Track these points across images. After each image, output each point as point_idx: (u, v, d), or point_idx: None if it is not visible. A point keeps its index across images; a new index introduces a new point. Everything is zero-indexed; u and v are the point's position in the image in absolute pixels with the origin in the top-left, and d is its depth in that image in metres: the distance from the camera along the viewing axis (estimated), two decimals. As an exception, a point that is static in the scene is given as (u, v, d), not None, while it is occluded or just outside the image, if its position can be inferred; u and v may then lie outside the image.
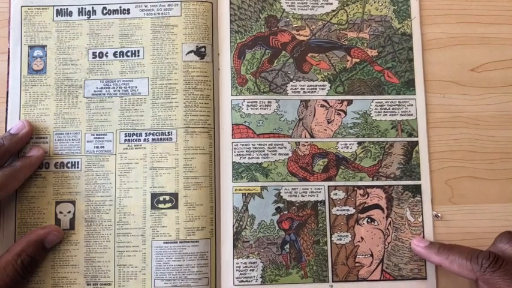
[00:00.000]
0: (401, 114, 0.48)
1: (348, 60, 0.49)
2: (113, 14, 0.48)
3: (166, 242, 0.44)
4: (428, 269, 0.46)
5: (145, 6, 0.48)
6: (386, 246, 0.47)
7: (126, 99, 0.46)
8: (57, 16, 0.48)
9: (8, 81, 0.47)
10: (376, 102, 0.49)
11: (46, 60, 0.47)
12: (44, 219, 0.45)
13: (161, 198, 0.45)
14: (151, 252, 0.44)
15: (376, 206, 0.47)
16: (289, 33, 0.49)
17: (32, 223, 0.45)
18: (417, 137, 0.48)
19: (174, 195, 0.45)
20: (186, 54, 0.47)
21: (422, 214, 0.47)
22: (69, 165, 0.46)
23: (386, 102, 0.49)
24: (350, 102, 0.49)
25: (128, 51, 0.47)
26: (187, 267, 0.44)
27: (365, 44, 0.49)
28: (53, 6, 0.48)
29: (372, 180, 0.48)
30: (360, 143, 0.48)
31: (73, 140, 0.46)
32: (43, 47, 0.47)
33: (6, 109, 0.46)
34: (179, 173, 0.45)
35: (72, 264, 0.44)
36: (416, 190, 0.47)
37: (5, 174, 0.42)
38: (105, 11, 0.48)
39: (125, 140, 0.46)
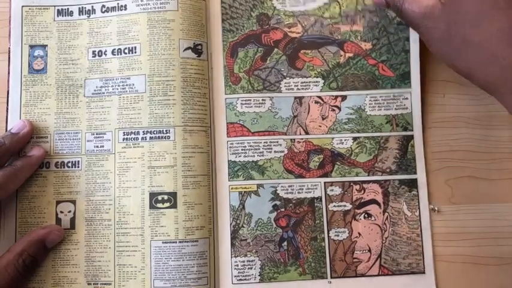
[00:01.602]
0: (396, 109, 0.48)
1: (341, 56, 0.48)
2: (111, 11, 0.48)
3: (165, 242, 0.44)
4: (427, 263, 0.46)
5: (141, 0, 0.47)
6: (383, 241, 0.46)
7: (124, 97, 0.46)
8: (58, 16, 0.48)
9: (8, 81, 0.47)
10: (370, 97, 0.48)
11: (47, 59, 0.47)
12: (45, 219, 0.45)
13: (159, 198, 0.45)
14: (150, 252, 0.44)
15: (373, 201, 0.47)
16: (281, 30, 0.49)
17: (33, 223, 0.45)
18: (412, 131, 0.47)
19: (173, 195, 0.44)
20: (184, 51, 0.46)
21: (419, 208, 0.47)
22: (69, 164, 0.46)
23: (380, 96, 0.48)
24: (344, 97, 0.48)
25: (125, 48, 0.47)
26: (187, 267, 0.43)
27: (359, 37, 0.49)
28: (54, 6, 0.48)
29: (368, 176, 0.47)
30: (355, 139, 0.47)
31: (73, 140, 0.46)
32: (44, 46, 0.47)
33: (7, 109, 0.46)
34: (177, 172, 0.45)
35: (72, 263, 0.44)
36: (413, 184, 0.47)
37: (5, 174, 0.42)
38: (103, 9, 0.48)
39: (123, 139, 0.46)
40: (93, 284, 0.44)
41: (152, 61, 0.46)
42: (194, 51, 0.47)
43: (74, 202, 0.45)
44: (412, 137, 0.47)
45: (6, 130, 0.46)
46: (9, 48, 0.47)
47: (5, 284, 0.40)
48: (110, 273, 0.44)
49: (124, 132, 0.46)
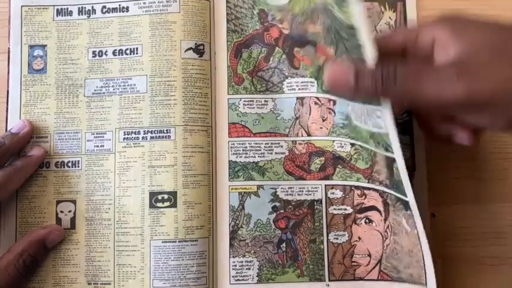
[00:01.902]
0: (373, 126, 0.41)
1: (319, 57, 0.45)
2: (112, 12, 0.48)
3: (164, 242, 0.44)
4: (429, 275, 0.41)
5: (144, 3, 0.47)
6: (384, 248, 0.44)
7: (125, 97, 0.46)
8: (57, 16, 0.48)
9: (8, 81, 0.47)
10: (352, 105, 0.43)
11: (46, 59, 0.47)
12: (45, 219, 0.45)
13: (159, 197, 0.45)
14: (149, 251, 0.44)
15: (374, 208, 0.45)
16: (277, 27, 0.48)
17: (33, 222, 0.45)
18: (393, 153, 0.40)
19: (173, 194, 0.45)
20: (185, 52, 0.46)
21: (416, 228, 0.40)
22: (69, 164, 0.46)
23: (359, 108, 0.41)
24: (334, 102, 0.45)
25: (127, 49, 0.47)
26: (186, 267, 0.44)
27: (322, 40, 0.44)
28: (53, 6, 0.48)
29: (368, 183, 0.45)
30: (352, 144, 0.45)
31: (73, 140, 0.46)
32: (43, 46, 0.47)
33: (7, 109, 0.46)
34: (178, 171, 0.45)
35: (73, 263, 0.44)
36: (407, 205, 0.41)
37: (5, 174, 0.42)
38: (104, 10, 0.48)
39: (124, 139, 0.46)
40: (93, 283, 0.44)
41: (154, 62, 0.46)
42: (196, 52, 0.47)
43: (74, 202, 0.45)
44: (394, 159, 0.40)
45: (6, 130, 0.46)
46: (8, 48, 0.47)
47: (6, 284, 0.40)
48: (109, 273, 0.44)
49: (124, 132, 0.46)
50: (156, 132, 0.45)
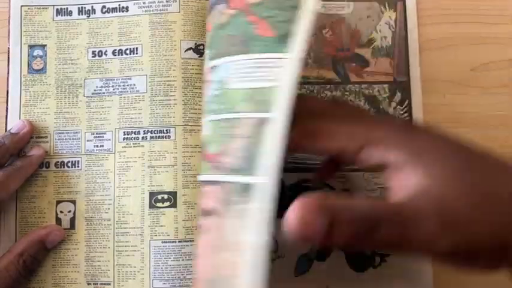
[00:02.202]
0: (258, 80, 0.31)
1: (224, 14, 0.35)
2: (112, 12, 0.48)
3: (164, 242, 0.44)
4: None
5: (144, 3, 0.47)
6: (209, 274, 0.29)
7: (125, 97, 0.46)
8: (57, 16, 0.48)
9: (8, 81, 0.47)
10: (235, 65, 0.33)
11: (46, 59, 0.47)
12: (45, 219, 0.45)
13: (159, 197, 0.45)
14: (149, 252, 0.44)
15: (211, 212, 0.30)
16: None
17: (33, 222, 0.45)
18: (268, 112, 0.29)
19: (173, 194, 0.45)
20: (185, 52, 0.46)
21: (248, 233, 0.27)
22: (69, 164, 0.46)
23: (245, 64, 0.32)
24: (215, 68, 0.34)
25: (127, 49, 0.47)
26: (186, 267, 0.43)
27: None
28: (53, 5, 0.48)
29: (212, 174, 0.31)
30: (212, 122, 0.33)
31: (73, 140, 0.46)
32: (43, 46, 0.47)
33: (7, 109, 0.46)
34: (178, 171, 0.45)
35: (73, 263, 0.44)
36: (248, 192, 0.28)
37: (5, 174, 0.42)
38: (104, 10, 0.48)
39: (124, 139, 0.46)
40: (93, 284, 0.44)
41: (153, 62, 0.46)
42: (196, 52, 0.47)
43: (74, 202, 0.45)
44: (266, 121, 0.29)
45: (6, 130, 0.46)
46: (8, 48, 0.47)
47: (6, 284, 0.40)
48: (109, 273, 0.44)
49: (124, 132, 0.46)
50: (156, 132, 0.45)
